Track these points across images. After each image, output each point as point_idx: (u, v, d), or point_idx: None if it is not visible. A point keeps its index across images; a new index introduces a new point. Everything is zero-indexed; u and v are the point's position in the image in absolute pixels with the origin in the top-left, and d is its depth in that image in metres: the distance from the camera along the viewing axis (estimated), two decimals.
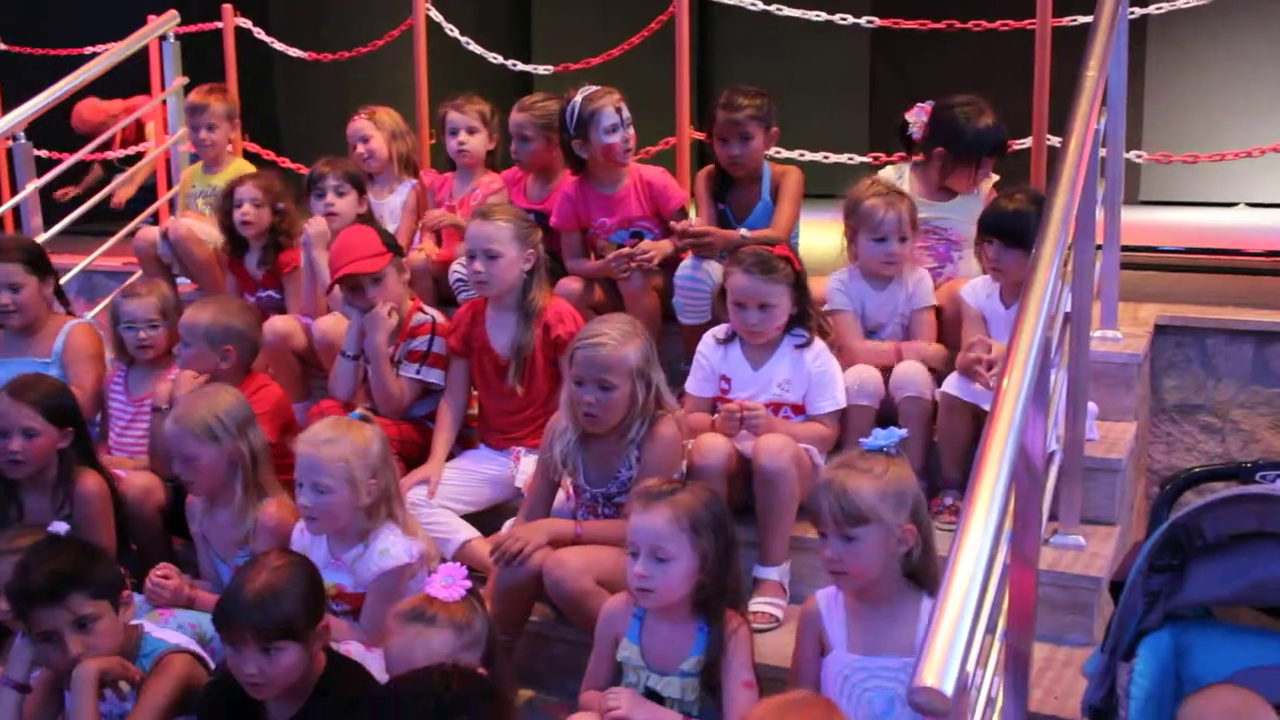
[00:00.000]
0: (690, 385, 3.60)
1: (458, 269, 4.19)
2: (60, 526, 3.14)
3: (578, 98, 4.05)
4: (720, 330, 3.59)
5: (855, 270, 3.79)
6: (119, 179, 6.80)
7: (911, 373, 3.54)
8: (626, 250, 3.99)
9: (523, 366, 3.71)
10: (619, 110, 4.06)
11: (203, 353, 3.89)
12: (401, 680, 2.33)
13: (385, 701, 2.31)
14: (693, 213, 4.22)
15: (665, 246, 3.99)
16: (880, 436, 2.64)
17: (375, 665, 2.91)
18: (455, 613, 2.58)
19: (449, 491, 3.67)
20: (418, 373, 3.85)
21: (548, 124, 4.28)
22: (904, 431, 2.67)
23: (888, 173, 4.12)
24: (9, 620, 3.12)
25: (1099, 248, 3.61)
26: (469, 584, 2.64)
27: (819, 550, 2.64)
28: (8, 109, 5.35)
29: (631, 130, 4.10)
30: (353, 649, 2.96)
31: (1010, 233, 3.50)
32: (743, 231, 3.97)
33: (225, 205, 4.60)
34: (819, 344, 3.51)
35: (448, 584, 2.61)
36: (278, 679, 2.61)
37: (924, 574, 2.61)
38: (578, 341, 3.24)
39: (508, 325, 3.77)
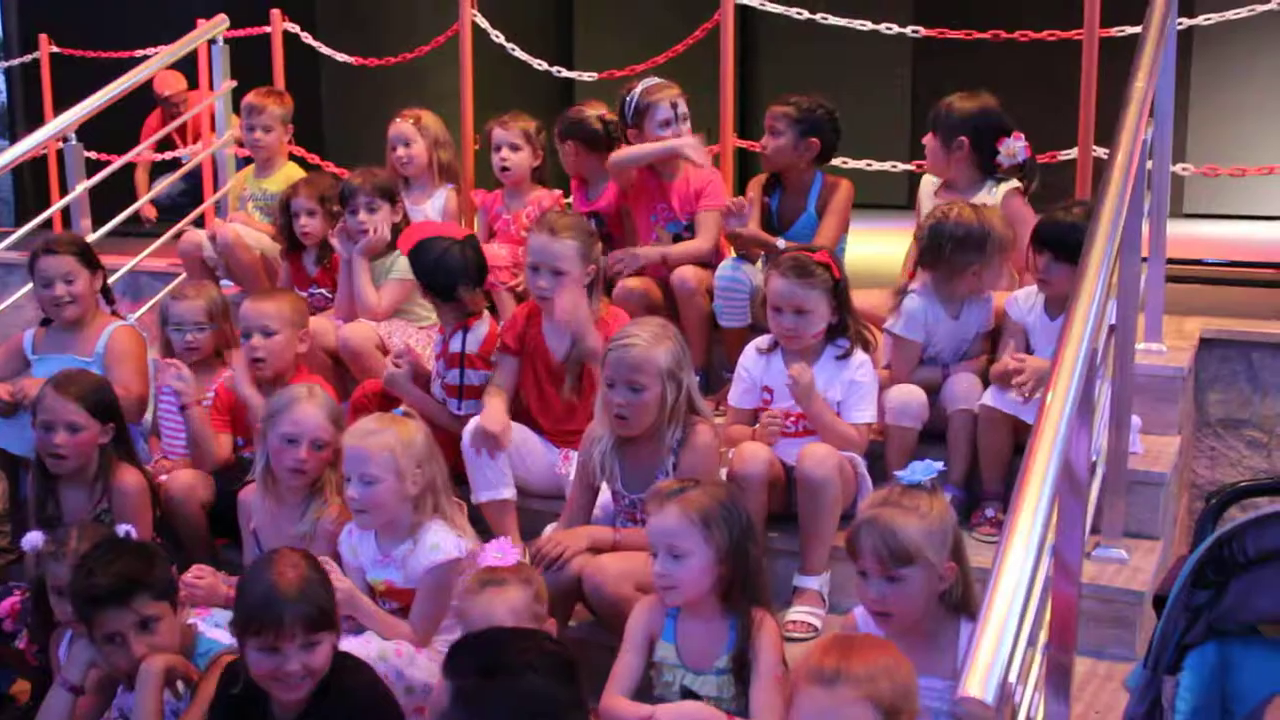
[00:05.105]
0: (732, 397, 3.60)
1: None
2: (124, 528, 3.20)
3: (638, 88, 4.15)
4: (763, 341, 3.58)
5: (930, 294, 3.66)
6: (160, 184, 6.90)
7: (966, 385, 3.54)
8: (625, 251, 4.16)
9: (580, 379, 3.66)
10: (674, 106, 4.14)
11: (289, 339, 3.90)
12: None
13: None
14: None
15: (653, 254, 4.15)
16: (918, 470, 2.57)
17: (424, 667, 2.94)
18: (520, 571, 2.76)
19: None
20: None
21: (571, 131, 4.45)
22: (940, 464, 2.62)
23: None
24: (69, 623, 3.16)
25: (1144, 260, 3.59)
26: (518, 552, 2.80)
27: (860, 591, 2.57)
28: (58, 111, 5.42)
29: (687, 126, 4.17)
30: (404, 650, 2.99)
31: (1063, 245, 3.39)
32: (780, 241, 4.00)
33: (284, 216, 4.69)
34: (860, 355, 3.48)
35: (500, 556, 2.75)
36: (317, 671, 2.58)
37: (963, 605, 2.57)
38: (610, 343, 3.26)
39: (565, 333, 3.70)
